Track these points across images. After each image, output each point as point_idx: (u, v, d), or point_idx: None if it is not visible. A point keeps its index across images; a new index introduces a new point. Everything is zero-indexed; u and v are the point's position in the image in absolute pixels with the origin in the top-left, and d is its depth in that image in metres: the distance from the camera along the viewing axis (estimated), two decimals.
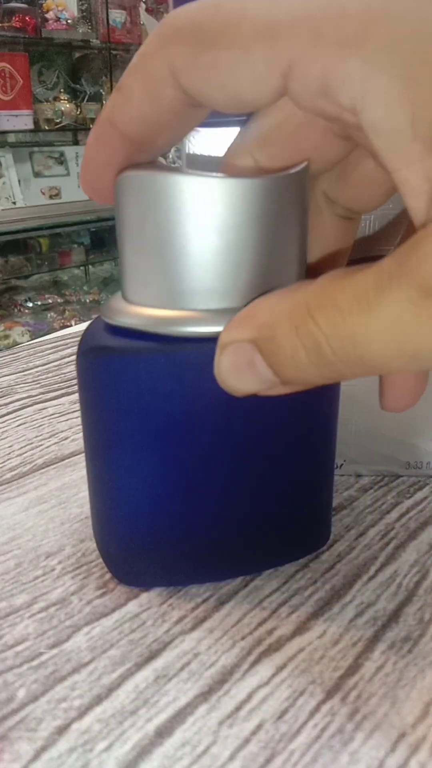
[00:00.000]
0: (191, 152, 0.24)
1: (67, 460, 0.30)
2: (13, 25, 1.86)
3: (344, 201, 0.19)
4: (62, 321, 2.08)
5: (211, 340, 0.18)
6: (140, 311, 0.18)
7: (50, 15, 1.94)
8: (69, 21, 1.97)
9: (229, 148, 0.18)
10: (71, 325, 1.97)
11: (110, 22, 2.03)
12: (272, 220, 0.17)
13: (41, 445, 0.32)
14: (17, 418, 0.35)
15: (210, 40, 0.14)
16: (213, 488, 0.20)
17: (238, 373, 0.17)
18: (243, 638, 0.20)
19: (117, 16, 2.05)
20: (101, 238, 2.28)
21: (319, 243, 0.20)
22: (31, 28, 1.90)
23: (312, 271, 0.19)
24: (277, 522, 0.22)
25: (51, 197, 2.07)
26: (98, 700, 0.18)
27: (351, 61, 0.13)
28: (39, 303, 2.13)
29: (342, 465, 0.28)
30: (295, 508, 0.22)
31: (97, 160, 0.17)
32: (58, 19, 1.95)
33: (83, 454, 0.29)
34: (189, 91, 0.15)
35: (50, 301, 2.16)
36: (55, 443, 0.32)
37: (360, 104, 0.14)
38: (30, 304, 2.12)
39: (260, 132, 0.17)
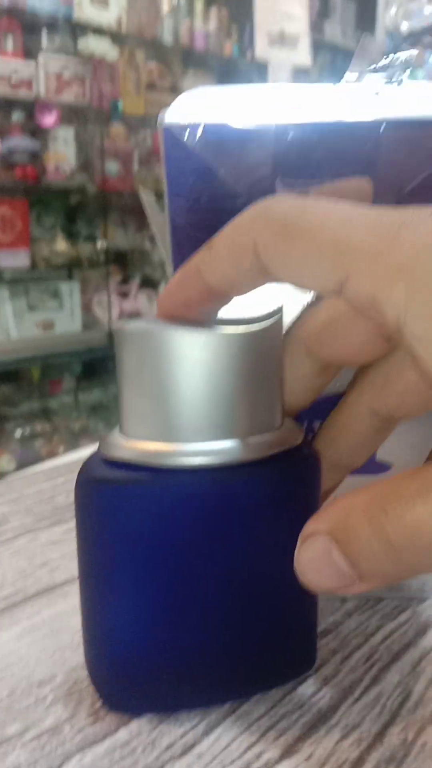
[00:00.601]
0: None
1: (58, 589, 0.31)
2: (16, 175, 2.02)
3: (387, 410, 0.21)
4: (50, 448, 2.08)
5: (199, 471, 0.19)
6: (136, 445, 0.20)
7: (50, 166, 2.11)
8: (68, 171, 2.14)
9: (286, 333, 0.21)
10: (59, 453, 1.97)
11: (106, 171, 2.21)
12: (251, 366, 0.20)
13: (33, 574, 0.33)
14: (10, 548, 0.36)
15: (291, 236, 0.18)
16: (201, 615, 0.21)
17: (317, 567, 0.18)
18: (232, 762, 0.20)
19: (112, 166, 2.23)
20: (92, 366, 2.34)
21: (358, 446, 0.22)
22: (33, 178, 2.06)
23: (346, 467, 0.23)
24: (264, 648, 0.22)
25: (45, 329, 2.15)
26: None
27: (398, 285, 0.16)
28: (28, 431, 2.15)
29: None
30: (282, 634, 0.23)
31: (179, 296, 0.20)
32: (57, 170, 2.12)
33: (74, 583, 0.30)
34: (265, 265, 0.18)
35: (39, 429, 2.18)
36: (47, 572, 0.33)
37: (403, 319, 0.16)
38: (18, 432, 2.13)
39: (314, 322, 0.21)
